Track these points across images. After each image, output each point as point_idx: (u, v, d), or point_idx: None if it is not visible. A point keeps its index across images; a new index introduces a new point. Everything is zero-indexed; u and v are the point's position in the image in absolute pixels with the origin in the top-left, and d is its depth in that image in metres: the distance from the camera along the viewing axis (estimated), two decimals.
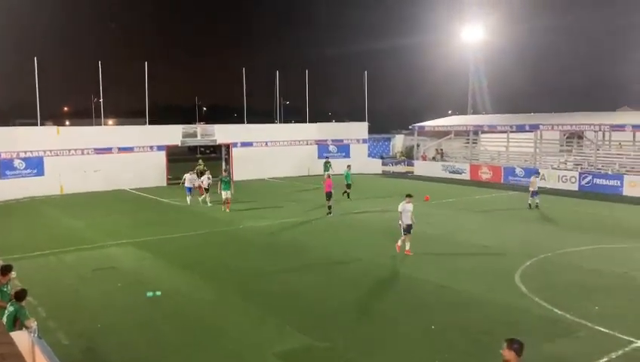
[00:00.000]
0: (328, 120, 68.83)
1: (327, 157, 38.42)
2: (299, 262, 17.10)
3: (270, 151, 42.12)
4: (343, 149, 45.73)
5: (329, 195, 24.52)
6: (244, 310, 12.79)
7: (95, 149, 35.84)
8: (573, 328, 11.33)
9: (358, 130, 46.30)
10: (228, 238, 20.75)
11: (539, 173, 30.16)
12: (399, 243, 17.36)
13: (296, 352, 10.39)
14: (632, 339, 10.57)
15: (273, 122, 58.98)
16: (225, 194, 25.91)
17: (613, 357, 9.92)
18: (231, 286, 14.66)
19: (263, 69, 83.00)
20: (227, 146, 41.84)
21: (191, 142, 41.69)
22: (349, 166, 31.56)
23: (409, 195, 17.54)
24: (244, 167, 39.28)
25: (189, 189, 28.40)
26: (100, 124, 43.86)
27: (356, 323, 11.83)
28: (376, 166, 45.04)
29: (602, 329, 11.14)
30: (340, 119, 56.75)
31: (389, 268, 16.22)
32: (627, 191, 30.63)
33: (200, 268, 16.49)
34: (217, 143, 42.37)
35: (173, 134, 39.54)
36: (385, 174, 43.55)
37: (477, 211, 25.83)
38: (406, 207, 17.18)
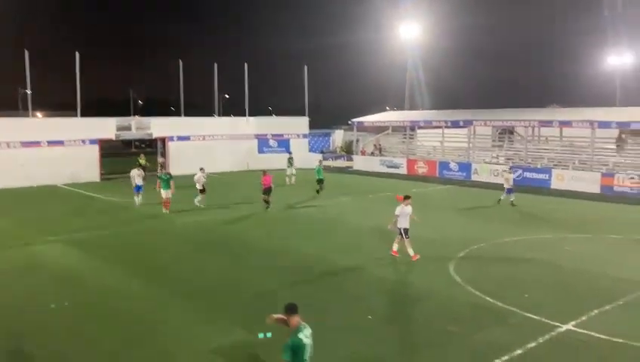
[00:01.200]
0: (269, 114, 68.55)
1: (290, 153, 37.78)
2: (239, 257, 16.91)
3: (208, 145, 41.44)
4: (284, 144, 45.61)
5: (268, 191, 24.34)
6: (181, 307, 12.48)
7: (22, 143, 34.17)
8: (503, 315, 11.73)
9: (298, 124, 46.29)
10: (164, 235, 20.25)
11: (511, 169, 28.62)
12: (395, 247, 16.21)
13: (234, 347, 10.25)
14: (557, 324, 11.05)
15: (212, 116, 58.11)
16: (165, 194, 23.55)
17: (541, 341, 10.33)
18: (167, 283, 14.29)
19: (203, 63, 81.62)
20: (163, 140, 40.88)
21: (125, 135, 40.48)
22: (320, 161, 31.50)
23: (407, 196, 16.14)
24: (181, 161, 38.32)
25: (138, 188, 25.14)
26: (28, 117, 41.82)
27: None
28: (316, 161, 45.12)
29: (531, 316, 11.58)
30: (280, 114, 56.48)
31: (329, 260, 16.27)
32: (555, 184, 32.09)
33: (135, 266, 15.99)
34: (153, 137, 41.29)
35: (106, 127, 38.22)
36: (325, 169, 43.64)
37: (412, 204, 26.28)
38: (405, 210, 15.81)
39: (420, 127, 45.62)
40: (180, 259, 16.60)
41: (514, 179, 26.83)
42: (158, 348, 10.31)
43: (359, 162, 44.02)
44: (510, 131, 42.50)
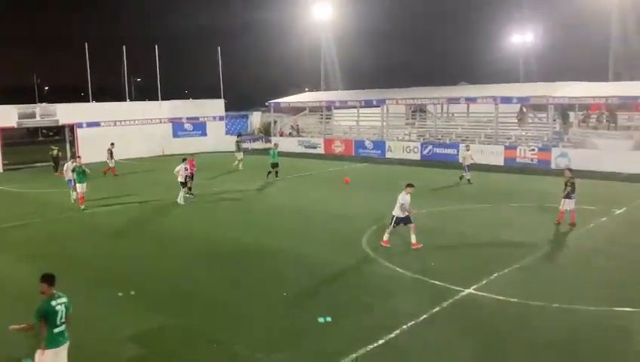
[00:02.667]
0: (184, 98, 66.92)
1: (239, 135, 36.73)
2: (154, 244, 16.72)
3: (120, 131, 40.01)
4: (200, 127, 44.92)
5: (190, 177, 23.73)
6: (91, 296, 12.24)
7: None
8: (412, 284, 12.43)
9: (214, 107, 45.65)
10: (75, 225, 19.62)
11: (468, 146, 28.55)
12: (386, 236, 15.28)
13: (150, 332, 10.26)
14: (460, 289, 11.85)
15: (124, 101, 56.05)
16: (80, 188, 21.42)
17: (445, 305, 11.07)
18: (79, 273, 13.92)
19: (111, 45, 78.11)
20: (71, 127, 39.12)
21: (29, 123, 38.39)
22: (275, 144, 30.85)
23: (410, 185, 15.24)
24: (92, 148, 36.68)
25: (71, 182, 22.69)
26: None
27: (212, 299, 11.92)
28: (233, 143, 44.77)
29: (436, 283, 12.34)
30: (196, 97, 55.34)
31: (248, 242, 16.42)
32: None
33: (45, 258, 15.41)
34: (60, 124, 39.40)
35: (7, 115, 36.05)
36: (244, 152, 43.53)
37: (330, 183, 26.90)
38: (406, 199, 14.93)
39: (336, 107, 46.28)
40: (95, 249, 16.19)
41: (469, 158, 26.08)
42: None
43: (278, 143, 44.09)
44: (422, 109, 44.00)
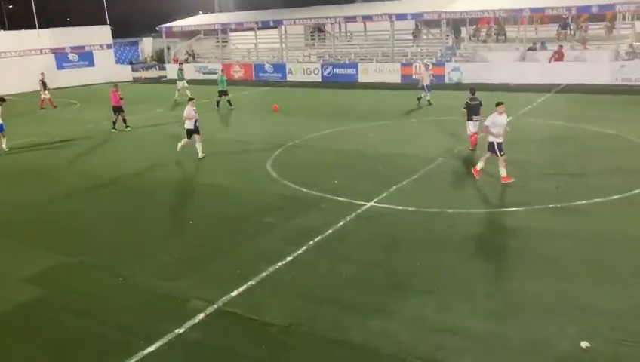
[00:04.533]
0: (66, 25, 61.65)
1: (181, 63, 33.96)
2: (55, 185, 15.77)
3: None
4: (86, 57, 41.99)
5: (117, 109, 22.11)
6: None
7: None
8: (316, 202, 12.66)
9: (100, 34, 42.63)
10: None
11: (428, 65, 26.54)
12: (479, 166, 13.54)
13: (47, 272, 9.82)
14: (362, 203, 12.26)
15: None
16: None
17: (348, 219, 11.43)
18: None
19: None
20: None
21: None
22: (222, 70, 28.90)
23: (500, 103, 13.07)
24: None
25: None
26: None
27: (111, 234, 11.53)
28: (125, 73, 42.43)
29: (340, 199, 12.67)
30: (79, 24, 51.11)
31: (153, 177, 15.92)
32: (361, 77, 34.12)
33: None
34: None
35: None
36: (136, 81, 41.41)
37: (231, 109, 26.34)
38: (498, 120, 12.88)
39: (232, 30, 44.69)
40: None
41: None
42: None
43: (173, 71, 42.12)
44: (320, 29, 43.50)
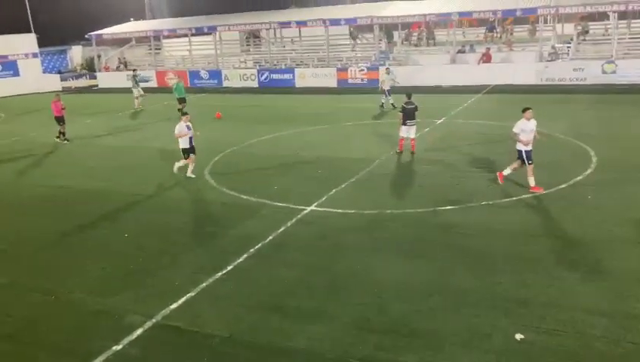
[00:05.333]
0: None
1: (134, 70, 32.39)
2: None
3: None
4: (11, 66, 40.16)
5: (59, 120, 21.05)
6: None
7: None
8: (256, 209, 12.57)
9: (24, 43, 40.81)
10: None
11: (389, 68, 25.73)
12: (505, 172, 13.06)
13: None
14: (303, 207, 12.28)
15: None
16: None
17: (289, 224, 11.42)
18: None
19: None
20: None
21: None
22: (179, 77, 27.87)
23: (527, 108, 12.50)
24: None
25: None
26: None
27: (40, 252, 11.00)
28: (54, 82, 40.77)
29: (280, 205, 12.64)
30: (1, 32, 48.72)
31: (84, 189, 15.33)
32: (298, 82, 34.23)
33: None
34: None
35: None
36: (66, 91, 39.87)
37: (165, 118, 25.81)
38: (526, 126, 12.32)
39: (165, 37, 43.83)
40: None
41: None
42: None
43: (105, 79, 41.12)
44: (255, 35, 43.33)
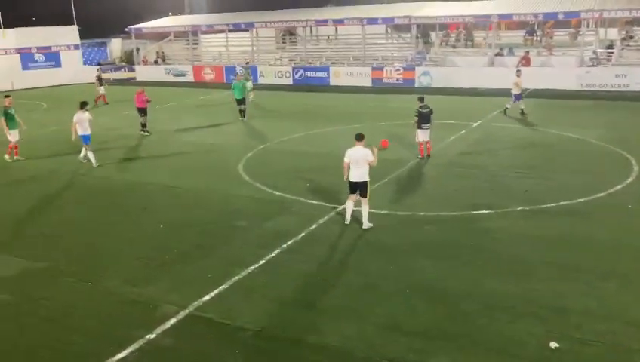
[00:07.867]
0: (32, 25, 60.30)
1: (247, 62, 33.15)
2: (15, 188, 15.39)
3: None
4: (53, 58, 41.12)
5: (141, 111, 21.03)
6: None
7: None
8: (288, 205, 12.63)
9: (67, 35, 41.80)
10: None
11: (519, 71, 23.63)
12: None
13: (12, 277, 9.56)
14: (335, 205, 12.28)
15: None
16: (13, 136, 17.45)
17: (321, 221, 11.43)
18: None
19: None
20: None
21: None
22: (245, 70, 28.48)
23: None
24: None
25: None
26: None
27: (78, 238, 11.28)
28: (93, 74, 41.51)
29: (312, 202, 12.67)
30: (45, 24, 50.01)
31: (114, 178, 15.66)
32: (333, 80, 34.20)
33: None
34: None
35: None
36: (105, 82, 40.68)
37: (201, 112, 26.16)
38: None
39: (203, 32, 44.35)
40: None
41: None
42: None
43: (142, 72, 41.72)
44: (291, 32, 43.50)
